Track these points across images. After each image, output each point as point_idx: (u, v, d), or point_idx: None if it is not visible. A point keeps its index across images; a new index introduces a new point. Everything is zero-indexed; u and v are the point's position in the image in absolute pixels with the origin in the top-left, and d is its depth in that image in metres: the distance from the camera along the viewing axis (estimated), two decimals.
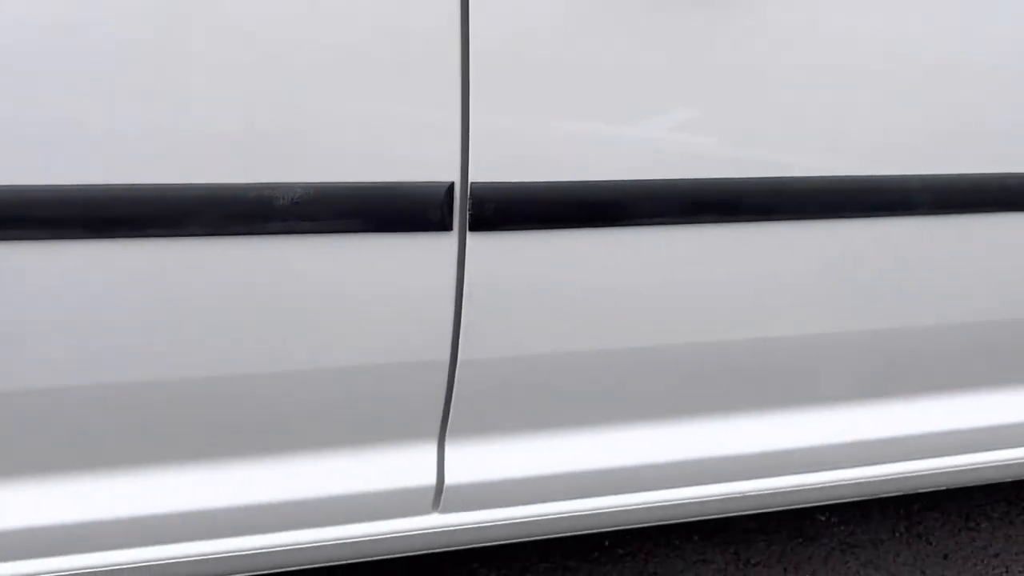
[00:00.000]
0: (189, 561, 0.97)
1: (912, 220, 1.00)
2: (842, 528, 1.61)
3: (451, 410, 0.99)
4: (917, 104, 0.95)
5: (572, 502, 1.09)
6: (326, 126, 0.81)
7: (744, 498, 1.17)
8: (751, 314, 1.00)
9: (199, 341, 0.86)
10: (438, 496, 1.04)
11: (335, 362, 0.91)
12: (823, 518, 1.62)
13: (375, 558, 1.11)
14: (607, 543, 1.51)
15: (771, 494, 1.19)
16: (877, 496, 1.31)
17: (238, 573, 1.02)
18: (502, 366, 0.95)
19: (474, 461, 1.02)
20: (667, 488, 1.12)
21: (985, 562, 1.54)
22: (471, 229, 0.88)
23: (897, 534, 1.59)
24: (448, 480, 1.03)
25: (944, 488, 1.38)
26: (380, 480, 1.00)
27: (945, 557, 1.55)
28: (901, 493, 1.34)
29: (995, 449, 1.26)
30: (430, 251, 0.88)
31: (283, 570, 1.07)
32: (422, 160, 0.85)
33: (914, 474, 1.24)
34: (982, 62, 0.98)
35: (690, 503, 1.14)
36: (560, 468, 1.06)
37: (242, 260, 0.83)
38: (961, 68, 0.97)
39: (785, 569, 1.49)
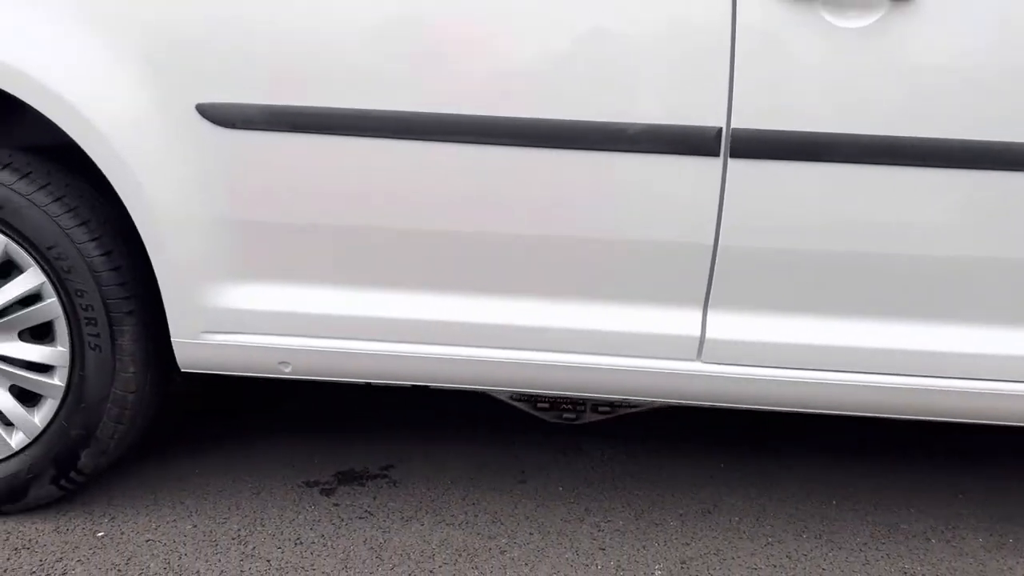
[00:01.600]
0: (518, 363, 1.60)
1: None
2: None
3: (712, 283, 1.51)
4: None
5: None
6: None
7: None
8: None
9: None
10: (701, 346, 1.55)
11: (649, 236, 1.48)
12: None
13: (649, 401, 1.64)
14: None
15: None
16: None
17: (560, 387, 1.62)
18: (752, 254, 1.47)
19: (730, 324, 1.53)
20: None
21: None
22: (731, 156, 1.42)
23: None
24: (709, 335, 1.54)
25: None
26: (663, 327, 1.54)
27: None
28: None
29: None
30: (708, 168, 1.43)
31: (590, 396, 1.64)
32: (705, 113, 1.40)
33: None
34: None
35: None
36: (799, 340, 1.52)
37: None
38: None
39: None
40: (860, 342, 1.54)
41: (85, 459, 1.70)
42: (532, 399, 2.47)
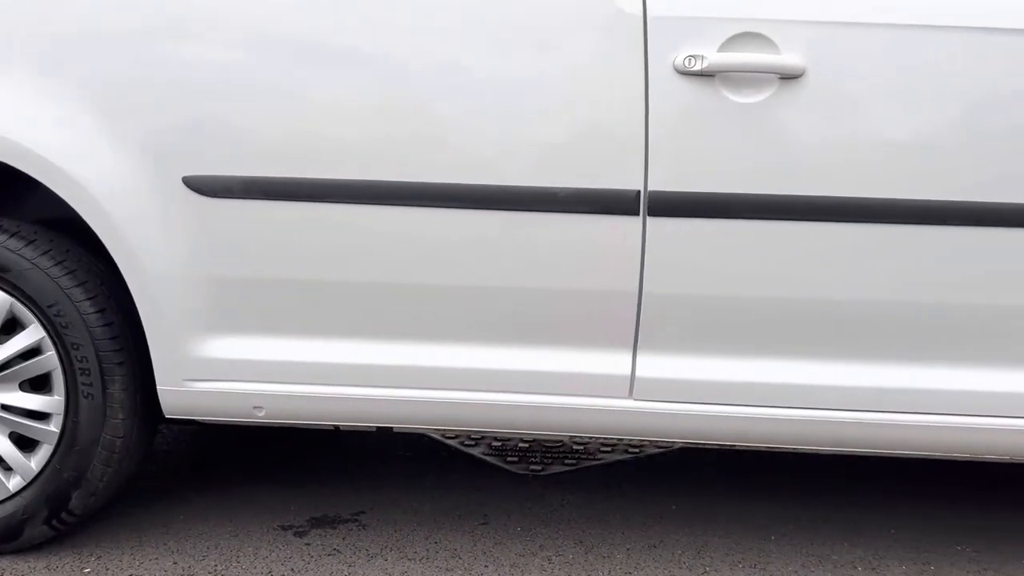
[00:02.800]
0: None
1: None
2: None
3: (640, 326, 1.69)
4: None
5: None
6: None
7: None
8: None
9: None
10: (632, 384, 1.72)
11: (581, 286, 1.67)
12: None
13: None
14: None
15: None
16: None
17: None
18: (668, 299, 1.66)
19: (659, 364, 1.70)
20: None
21: None
22: (649, 215, 1.63)
23: None
24: (639, 374, 1.71)
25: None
26: (598, 367, 1.72)
27: None
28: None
29: None
30: (630, 225, 1.64)
31: (531, 433, 1.80)
32: (626, 178, 1.62)
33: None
34: None
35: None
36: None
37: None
38: None
39: None
40: (775, 378, 1.71)
41: (76, 500, 1.85)
42: (502, 453, 2.63)
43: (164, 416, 1.85)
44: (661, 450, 2.58)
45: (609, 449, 2.63)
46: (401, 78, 1.67)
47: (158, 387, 1.80)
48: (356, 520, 2.08)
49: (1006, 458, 1.75)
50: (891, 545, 1.98)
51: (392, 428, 1.88)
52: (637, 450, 2.60)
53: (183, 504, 2.14)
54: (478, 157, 1.68)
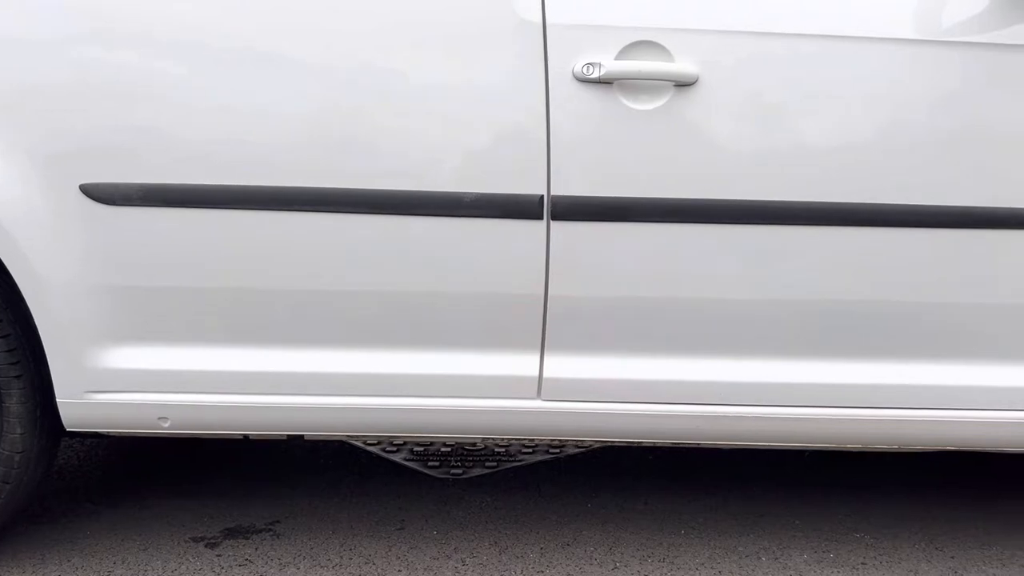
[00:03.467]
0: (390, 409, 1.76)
1: None
2: None
3: (547, 327, 1.72)
4: None
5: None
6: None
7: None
8: None
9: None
10: (540, 385, 1.75)
11: (488, 289, 1.69)
12: None
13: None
14: None
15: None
16: None
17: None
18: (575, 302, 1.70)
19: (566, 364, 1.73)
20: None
21: None
22: (552, 219, 1.66)
23: None
24: (547, 374, 1.74)
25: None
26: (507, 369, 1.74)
27: None
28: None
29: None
30: (534, 229, 1.67)
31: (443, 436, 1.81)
32: (529, 183, 1.66)
33: None
34: None
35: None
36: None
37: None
38: None
39: None
40: (681, 376, 1.76)
41: None
42: (423, 458, 2.63)
43: (65, 430, 1.81)
44: (582, 450, 2.61)
45: (530, 450, 2.66)
46: (298, 83, 1.66)
47: (57, 400, 1.75)
48: (270, 529, 2.06)
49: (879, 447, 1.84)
50: (795, 535, 2.05)
51: (303, 436, 1.87)
52: (558, 450, 2.64)
53: (91, 519, 2.09)
54: (384, 162, 1.69)
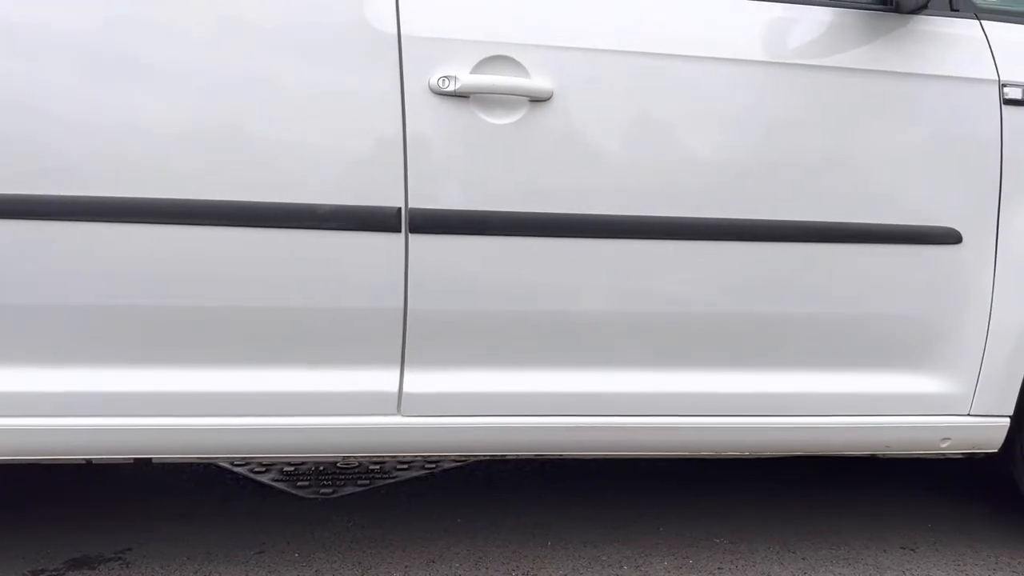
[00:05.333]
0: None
1: None
2: None
3: (406, 342, 1.70)
4: None
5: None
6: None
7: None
8: None
9: None
10: (400, 400, 1.73)
11: (345, 303, 1.66)
12: None
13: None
14: None
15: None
16: None
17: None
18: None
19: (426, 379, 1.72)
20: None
21: None
22: (410, 232, 1.64)
23: None
24: (407, 389, 1.72)
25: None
26: (365, 384, 1.71)
27: None
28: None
29: None
30: (392, 242, 1.65)
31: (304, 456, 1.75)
32: (387, 195, 1.63)
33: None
34: None
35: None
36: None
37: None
38: None
39: None
40: (542, 388, 1.77)
41: None
42: (293, 478, 2.56)
43: None
44: (458, 465, 2.60)
45: (405, 467, 2.62)
46: (160, 91, 1.60)
47: None
48: (120, 558, 1.96)
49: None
50: (658, 542, 2.09)
51: (151, 460, 1.78)
52: (433, 466, 2.61)
53: None
54: (242, 174, 1.63)
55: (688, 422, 1.81)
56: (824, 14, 1.80)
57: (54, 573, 1.89)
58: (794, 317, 1.80)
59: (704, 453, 1.89)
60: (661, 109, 1.73)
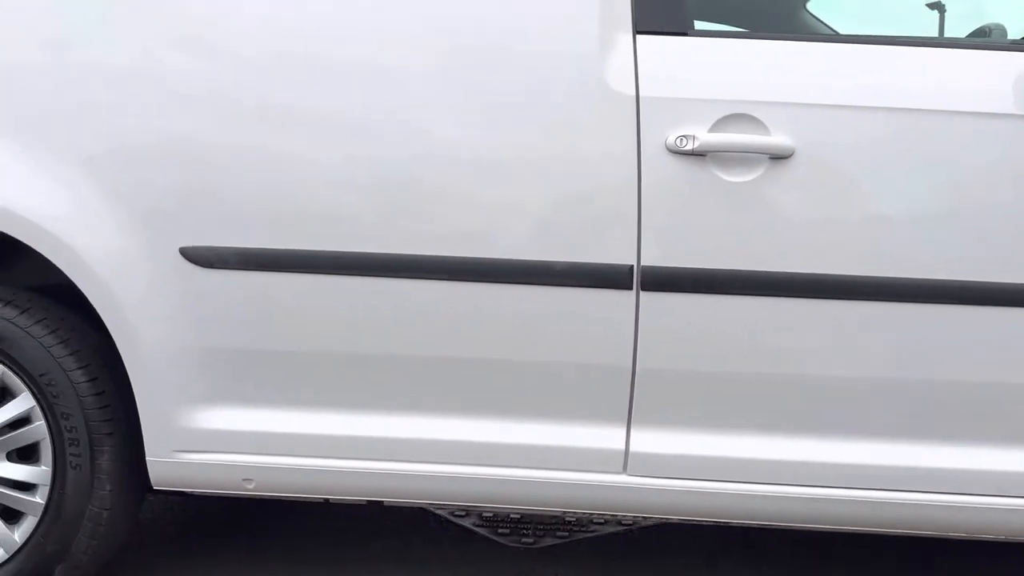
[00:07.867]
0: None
1: None
2: None
3: (634, 400, 1.69)
4: None
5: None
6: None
7: None
8: None
9: None
10: (626, 459, 1.71)
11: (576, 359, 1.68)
12: None
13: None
14: None
15: None
16: None
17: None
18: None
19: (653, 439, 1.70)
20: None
21: None
22: (642, 289, 1.65)
23: None
24: (633, 449, 1.71)
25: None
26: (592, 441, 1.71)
27: None
28: None
29: None
30: (623, 299, 1.66)
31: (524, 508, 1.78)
32: (619, 253, 1.66)
33: None
34: None
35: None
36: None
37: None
38: None
39: None
40: (777, 455, 1.70)
41: (58, 574, 1.81)
42: (493, 524, 2.59)
43: (152, 487, 1.83)
44: (655, 523, 2.54)
45: (602, 521, 2.59)
46: (396, 149, 1.70)
47: (147, 458, 1.78)
48: None
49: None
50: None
51: (383, 502, 1.86)
52: (630, 523, 2.57)
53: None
54: (475, 229, 1.70)
55: (946, 500, 1.68)
56: None
57: None
58: None
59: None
60: (910, 165, 1.64)
